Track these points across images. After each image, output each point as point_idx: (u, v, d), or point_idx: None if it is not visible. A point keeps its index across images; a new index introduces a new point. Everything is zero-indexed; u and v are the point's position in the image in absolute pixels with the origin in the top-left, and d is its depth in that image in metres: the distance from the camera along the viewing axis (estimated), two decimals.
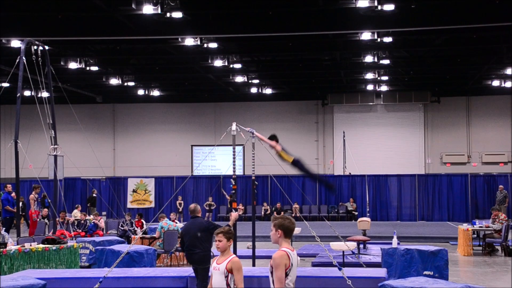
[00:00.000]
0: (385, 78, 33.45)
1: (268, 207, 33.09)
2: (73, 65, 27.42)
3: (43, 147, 20.43)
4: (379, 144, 37.47)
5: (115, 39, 24.28)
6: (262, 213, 32.63)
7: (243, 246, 18.41)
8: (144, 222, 21.93)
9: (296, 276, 6.38)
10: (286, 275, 6.21)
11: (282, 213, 32.49)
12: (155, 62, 30.60)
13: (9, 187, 22.28)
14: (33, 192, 22.97)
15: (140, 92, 36.25)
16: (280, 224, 6.36)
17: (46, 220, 22.34)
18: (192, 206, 11.43)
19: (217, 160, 37.39)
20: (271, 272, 6.27)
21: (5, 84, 22.84)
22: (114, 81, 32.40)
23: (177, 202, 32.28)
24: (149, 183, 34.15)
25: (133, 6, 19.60)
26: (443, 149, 37.42)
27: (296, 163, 13.89)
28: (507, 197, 30.60)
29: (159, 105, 39.18)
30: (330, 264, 13.30)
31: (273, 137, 13.64)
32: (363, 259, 16.13)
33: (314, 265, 16.06)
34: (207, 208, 31.88)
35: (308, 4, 21.29)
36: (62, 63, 27.19)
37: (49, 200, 22.32)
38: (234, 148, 13.29)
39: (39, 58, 18.26)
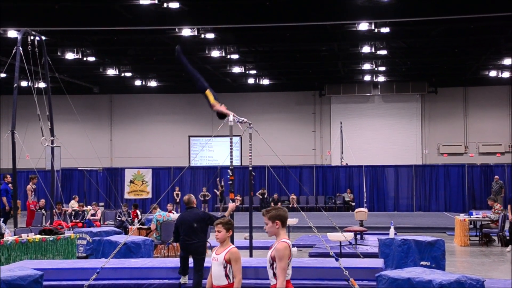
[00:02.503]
0: (382, 68, 33.44)
1: (265, 191, 33.10)
2: (70, 56, 27.35)
3: (40, 137, 20.40)
4: (376, 134, 37.48)
5: (112, 29, 24.21)
6: (259, 195, 32.75)
7: (240, 237, 18.44)
8: (139, 213, 21.89)
9: (296, 266, 6.43)
10: (287, 265, 6.26)
11: (280, 204, 32.54)
12: (152, 52, 30.53)
13: (9, 178, 22.23)
14: (30, 183, 22.97)
15: (137, 82, 36.21)
16: (276, 215, 6.38)
17: (43, 211, 22.34)
18: (186, 197, 11.45)
19: (214, 151, 37.39)
20: (271, 264, 6.29)
21: (2, 75, 22.83)
22: (111, 72, 32.34)
23: (174, 193, 32.30)
24: (146, 174, 34.15)
25: None
26: (440, 139, 37.44)
27: (201, 87, 13.85)
28: (503, 188, 30.66)
29: (156, 95, 39.13)
30: (327, 255, 13.33)
31: (220, 115, 13.62)
32: (360, 250, 16.15)
33: (311, 255, 16.09)
34: (202, 199, 31.88)
35: None
36: (59, 53, 27.11)
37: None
38: (231, 139, 13.29)
39: (36, 49, 18.23)
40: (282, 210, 6.47)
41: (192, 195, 11.57)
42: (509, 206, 17.95)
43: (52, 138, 19.07)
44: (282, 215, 6.41)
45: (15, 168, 17.45)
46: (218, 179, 32.28)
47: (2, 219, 15.66)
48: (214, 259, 7.01)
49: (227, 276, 6.89)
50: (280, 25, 23.61)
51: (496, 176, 30.95)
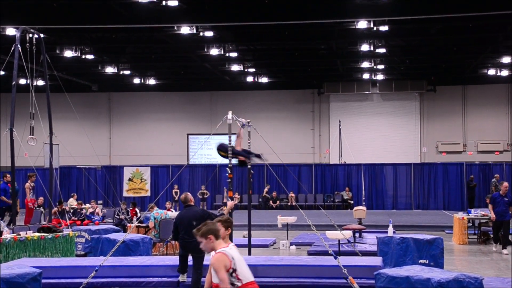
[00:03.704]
0: (381, 67, 33.42)
1: (267, 188, 33.25)
2: (68, 54, 27.33)
3: (38, 135, 20.40)
4: (375, 133, 37.48)
5: (111, 27, 24.19)
6: (265, 192, 32.86)
7: (239, 235, 18.45)
8: (137, 211, 21.90)
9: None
10: (234, 271, 6.28)
11: (278, 202, 32.57)
12: (151, 50, 30.51)
13: (9, 177, 22.18)
14: (29, 181, 22.93)
15: (136, 80, 36.20)
16: (207, 230, 6.46)
17: (41, 209, 22.31)
18: (183, 195, 11.46)
19: (213, 149, 37.27)
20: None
21: (1, 73, 22.78)
22: (109, 70, 32.33)
23: (173, 191, 32.30)
24: (145, 172, 34.12)
25: None
26: (439, 138, 37.44)
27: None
28: None
29: (155, 93, 39.10)
30: (325, 253, 13.34)
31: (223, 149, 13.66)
32: (359, 248, 16.16)
33: (310, 253, 16.09)
34: (200, 196, 31.88)
35: None
36: (57, 51, 27.09)
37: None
38: (230, 137, 13.30)
39: (33, 47, 18.20)
40: (211, 224, 6.58)
41: (188, 193, 11.56)
42: (490, 206, 17.70)
43: (32, 136, 18.90)
44: (213, 228, 6.50)
45: (14, 166, 17.44)
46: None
47: (1, 217, 15.66)
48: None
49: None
50: (278, 23, 23.60)
51: (496, 175, 30.83)
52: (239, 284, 6.34)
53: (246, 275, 6.37)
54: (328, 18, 22.73)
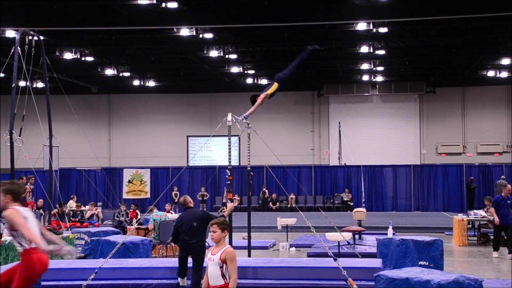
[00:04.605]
0: (380, 68, 33.44)
1: (267, 190, 33.22)
2: (68, 55, 27.33)
3: (38, 137, 20.38)
4: (375, 134, 37.49)
5: (111, 29, 24.20)
6: (266, 195, 32.89)
7: (239, 237, 18.43)
8: (138, 213, 21.91)
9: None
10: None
11: (278, 204, 32.51)
12: (150, 52, 30.52)
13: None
14: (28, 183, 22.92)
15: (136, 82, 36.20)
16: (10, 189, 6.51)
17: (41, 211, 22.31)
18: (181, 199, 11.47)
19: (212, 151, 37.36)
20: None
21: (1, 75, 22.77)
22: (109, 72, 32.33)
23: (173, 192, 32.29)
24: (144, 174, 34.14)
25: None
26: (439, 139, 37.45)
27: (282, 80, 14.05)
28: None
29: (154, 95, 39.11)
30: (325, 255, 13.33)
31: (254, 98, 13.80)
32: (359, 250, 16.14)
33: (310, 255, 16.08)
34: (200, 198, 31.86)
35: None
36: (57, 53, 27.09)
37: None
38: (229, 139, 13.32)
39: (32, 48, 18.17)
40: (17, 186, 6.66)
41: (187, 196, 11.56)
42: (492, 209, 17.46)
43: (18, 137, 18.84)
44: (15, 190, 6.56)
45: (13, 168, 17.42)
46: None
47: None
48: (210, 259, 7.02)
49: (223, 276, 6.89)
50: (278, 25, 23.62)
51: (503, 176, 30.64)
52: (26, 246, 6.32)
53: (37, 231, 6.41)
54: (327, 19, 22.76)
